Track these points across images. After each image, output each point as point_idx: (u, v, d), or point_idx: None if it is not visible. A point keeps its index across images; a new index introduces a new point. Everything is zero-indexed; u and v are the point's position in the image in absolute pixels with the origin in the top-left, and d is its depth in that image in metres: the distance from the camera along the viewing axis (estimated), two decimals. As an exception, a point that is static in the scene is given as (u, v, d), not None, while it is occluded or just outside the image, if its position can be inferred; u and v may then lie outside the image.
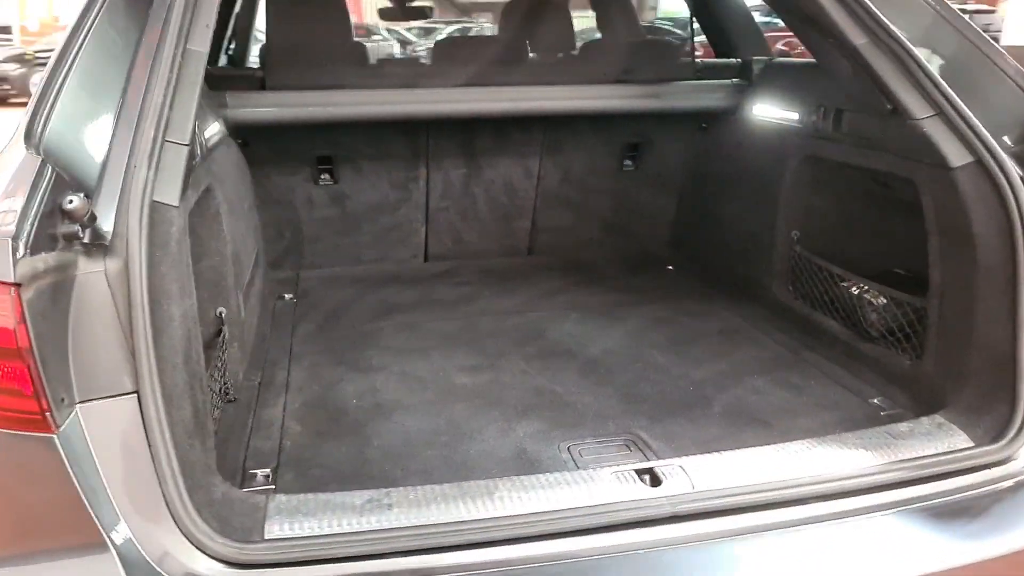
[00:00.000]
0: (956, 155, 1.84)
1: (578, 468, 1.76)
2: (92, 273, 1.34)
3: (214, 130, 2.51)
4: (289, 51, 2.91)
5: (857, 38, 1.95)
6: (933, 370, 2.02)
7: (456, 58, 3.16)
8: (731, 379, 2.29)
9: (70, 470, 1.28)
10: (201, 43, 1.70)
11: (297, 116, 2.90)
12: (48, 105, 1.41)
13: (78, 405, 1.32)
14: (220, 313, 2.18)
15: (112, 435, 1.33)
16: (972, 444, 1.71)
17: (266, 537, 1.39)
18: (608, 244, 3.61)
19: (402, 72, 3.11)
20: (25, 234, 1.21)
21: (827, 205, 2.70)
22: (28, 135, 1.35)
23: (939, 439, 1.73)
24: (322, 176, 3.24)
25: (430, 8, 5.22)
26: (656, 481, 1.55)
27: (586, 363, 2.42)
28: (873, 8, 1.92)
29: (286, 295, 3.11)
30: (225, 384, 2.14)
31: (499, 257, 3.47)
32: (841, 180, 2.60)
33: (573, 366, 2.40)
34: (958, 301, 1.91)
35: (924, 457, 1.66)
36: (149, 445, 1.32)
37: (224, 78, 2.90)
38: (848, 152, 2.43)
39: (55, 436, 1.27)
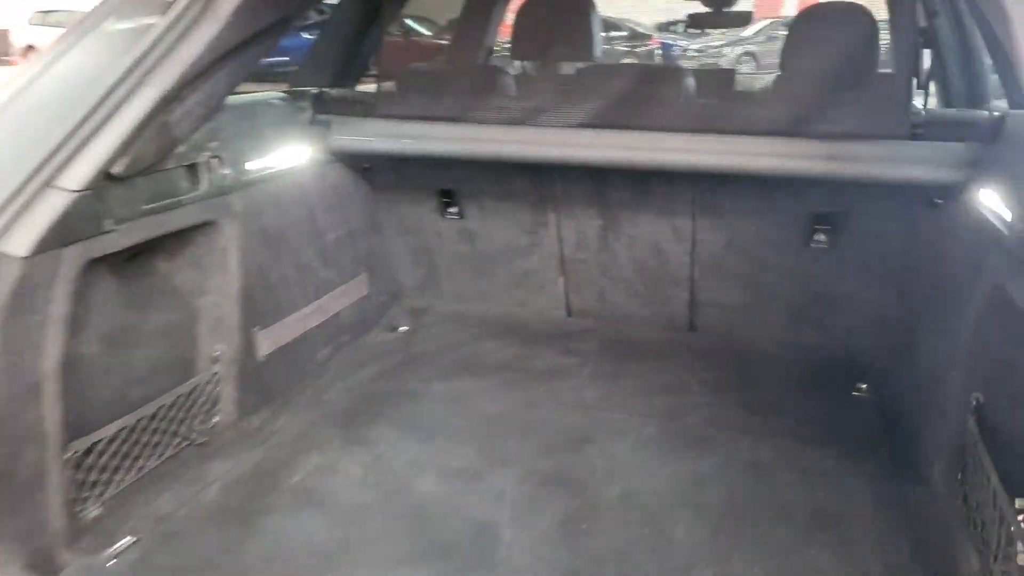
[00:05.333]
0: None
1: None
2: None
3: (289, 158, 2.39)
4: (401, 76, 2.67)
5: None
6: None
7: (596, 91, 2.54)
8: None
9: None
10: (163, 83, 1.69)
11: (402, 149, 2.63)
12: None
13: None
14: (216, 353, 2.13)
15: None
16: None
17: None
18: (793, 336, 2.87)
19: (529, 106, 2.55)
20: None
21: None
22: None
23: None
24: (448, 210, 2.95)
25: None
26: None
27: (560, 502, 1.97)
28: None
29: (401, 327, 2.95)
30: (195, 425, 2.07)
31: (652, 328, 2.97)
32: None
33: (529, 493, 1.99)
34: None
35: None
36: None
37: (337, 101, 2.68)
38: None
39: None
